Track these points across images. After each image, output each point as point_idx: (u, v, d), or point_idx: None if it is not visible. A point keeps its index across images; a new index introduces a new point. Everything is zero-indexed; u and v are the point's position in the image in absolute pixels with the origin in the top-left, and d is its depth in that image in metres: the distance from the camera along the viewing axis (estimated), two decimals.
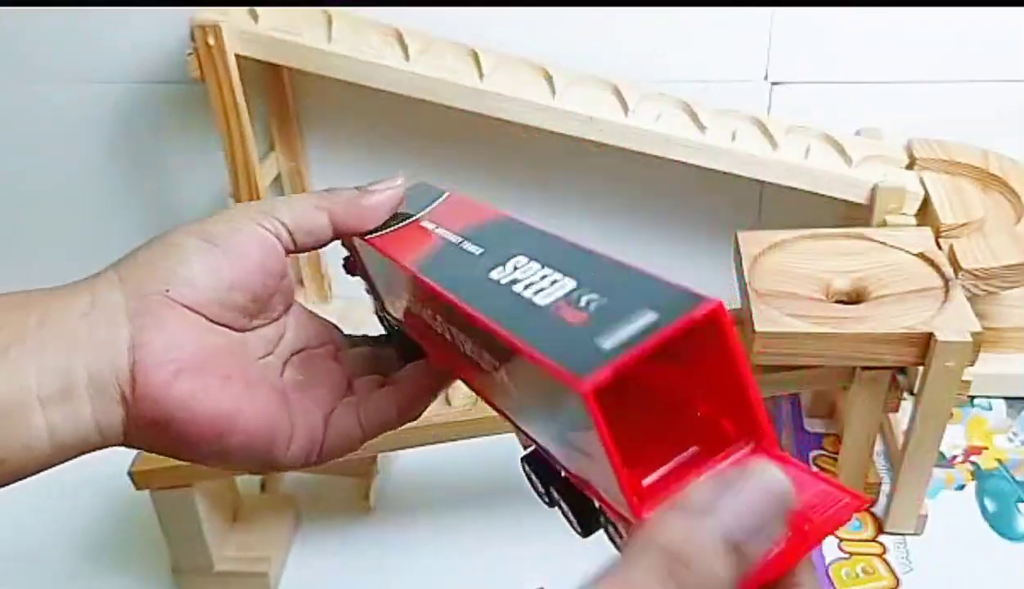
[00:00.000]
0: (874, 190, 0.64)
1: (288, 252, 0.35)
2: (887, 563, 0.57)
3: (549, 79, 0.65)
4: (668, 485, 0.24)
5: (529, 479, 0.31)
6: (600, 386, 0.22)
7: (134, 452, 0.59)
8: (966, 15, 0.67)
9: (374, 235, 0.36)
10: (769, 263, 0.59)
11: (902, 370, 0.55)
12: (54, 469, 0.32)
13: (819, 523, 0.23)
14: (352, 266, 0.40)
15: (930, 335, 0.51)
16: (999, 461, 0.64)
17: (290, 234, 0.34)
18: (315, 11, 0.66)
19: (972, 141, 0.68)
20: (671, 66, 0.70)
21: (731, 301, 0.60)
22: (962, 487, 0.62)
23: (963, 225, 0.61)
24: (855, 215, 0.65)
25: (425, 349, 0.37)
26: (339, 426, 0.35)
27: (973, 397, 0.66)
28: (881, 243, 0.60)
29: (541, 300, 0.27)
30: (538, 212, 0.78)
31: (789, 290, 0.56)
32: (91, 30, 0.73)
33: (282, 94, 0.74)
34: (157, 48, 0.73)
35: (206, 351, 0.32)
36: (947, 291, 0.55)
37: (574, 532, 0.29)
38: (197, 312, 0.32)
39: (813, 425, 0.67)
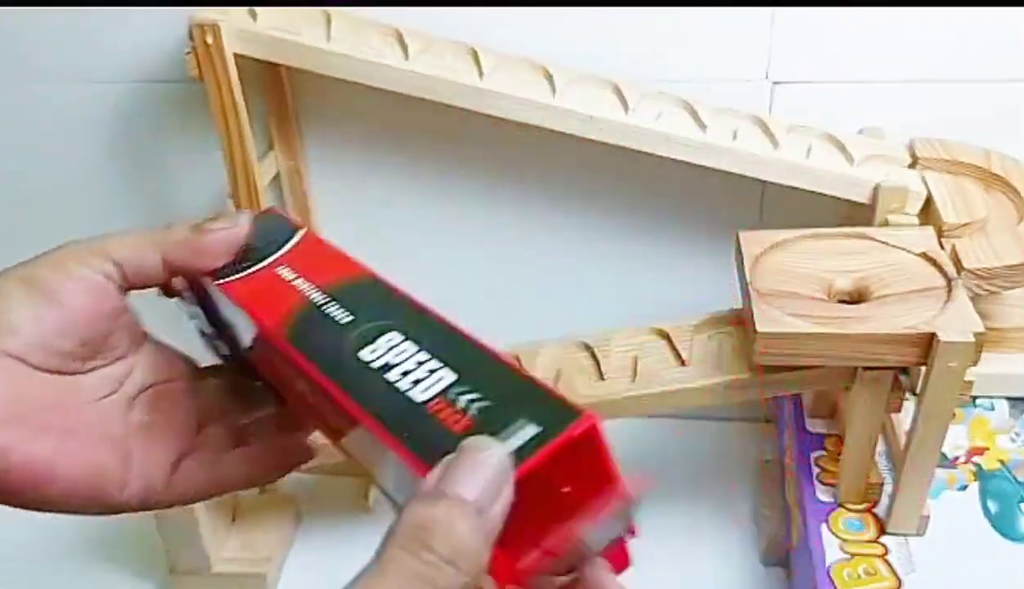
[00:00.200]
0: (876, 190, 0.63)
1: (125, 290, 0.34)
2: (889, 564, 0.57)
3: (549, 78, 0.65)
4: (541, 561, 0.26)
5: None
6: None
7: None
8: (968, 14, 0.66)
9: (227, 279, 0.34)
10: (770, 263, 0.59)
11: (904, 370, 0.55)
12: None
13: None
14: (175, 292, 0.37)
15: (932, 335, 0.51)
16: (1001, 462, 0.63)
17: (123, 273, 0.34)
18: (314, 10, 0.66)
19: (975, 141, 0.68)
20: (672, 65, 0.70)
21: (732, 301, 0.60)
22: (964, 488, 0.62)
23: (965, 225, 0.61)
24: (857, 215, 0.65)
25: (280, 394, 0.35)
26: (188, 478, 0.35)
27: (975, 397, 0.66)
28: (883, 243, 0.59)
29: (419, 395, 0.26)
30: (538, 212, 0.78)
31: (791, 290, 0.56)
32: (90, 30, 0.73)
33: (281, 93, 0.74)
34: (156, 47, 0.73)
35: (24, 401, 0.31)
36: (949, 291, 0.54)
37: None
38: (20, 360, 0.31)
39: (815, 425, 0.67)
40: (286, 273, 0.33)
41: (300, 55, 0.64)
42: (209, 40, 0.63)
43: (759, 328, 0.53)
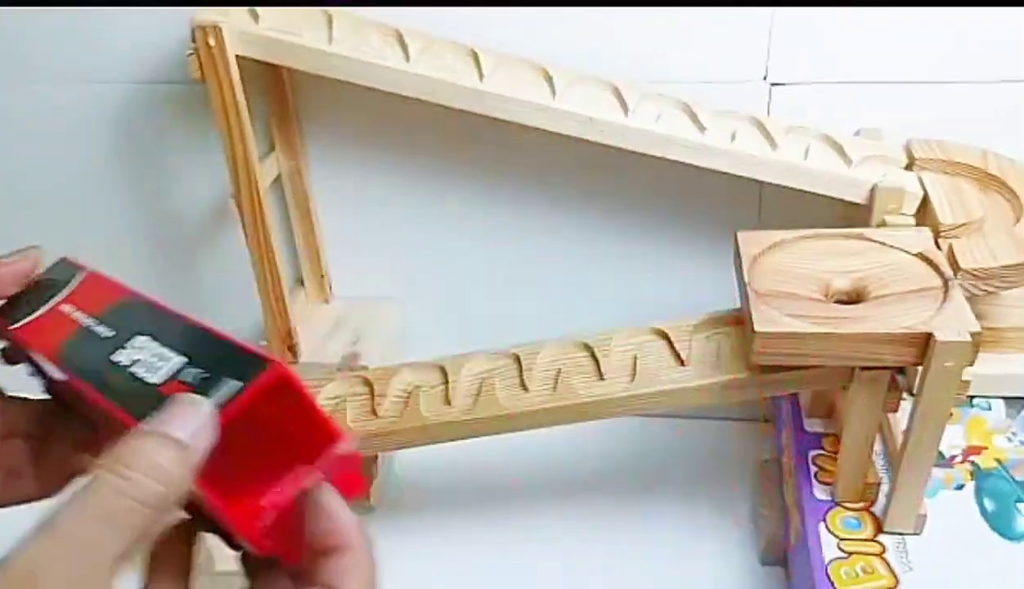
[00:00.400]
0: (873, 190, 0.64)
1: None
2: (886, 562, 0.57)
3: (549, 79, 0.65)
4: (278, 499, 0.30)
5: (195, 527, 0.33)
6: None
7: None
8: (965, 15, 0.67)
9: (19, 323, 0.38)
10: (769, 263, 0.59)
11: (901, 370, 0.55)
12: None
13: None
14: (10, 356, 0.41)
15: (929, 335, 0.51)
16: (998, 461, 0.64)
17: None
18: (315, 12, 0.66)
19: (971, 141, 0.68)
20: (671, 66, 0.70)
21: (731, 301, 0.60)
22: (961, 487, 0.62)
23: (962, 225, 0.61)
24: (854, 215, 0.65)
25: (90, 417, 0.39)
26: None
27: (972, 397, 0.66)
28: (880, 243, 0.60)
29: (155, 380, 0.31)
30: (538, 212, 0.79)
31: (788, 290, 0.56)
32: (91, 30, 0.74)
33: (282, 94, 0.74)
34: (157, 48, 0.73)
35: None
36: (946, 291, 0.55)
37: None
38: None
39: (812, 425, 0.67)
40: (67, 309, 0.38)
41: (301, 57, 0.64)
42: (211, 42, 0.63)
43: (757, 328, 0.53)
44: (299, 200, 0.79)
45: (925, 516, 0.58)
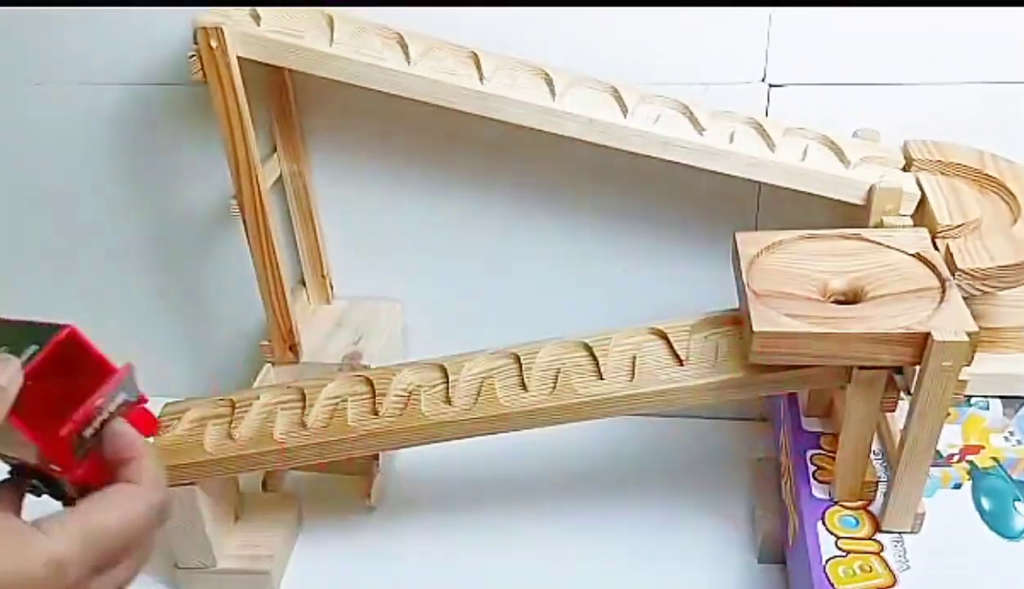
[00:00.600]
0: (871, 191, 0.64)
1: None
2: (884, 561, 0.57)
3: (549, 81, 0.66)
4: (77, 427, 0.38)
5: (20, 482, 0.40)
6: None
7: None
8: (963, 16, 0.67)
9: None
10: (767, 263, 0.59)
11: (899, 370, 0.55)
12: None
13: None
14: None
15: (927, 335, 0.51)
16: (995, 460, 0.64)
17: None
18: (317, 13, 0.66)
19: (968, 142, 0.69)
20: (670, 68, 0.70)
21: (730, 301, 0.60)
22: (959, 486, 0.63)
23: (959, 226, 0.62)
24: (852, 216, 0.66)
25: None
26: None
27: (970, 396, 0.66)
28: (878, 244, 0.60)
29: None
30: (538, 213, 0.79)
31: (787, 290, 0.57)
32: (93, 31, 0.74)
33: (284, 96, 0.74)
34: (159, 50, 0.73)
35: None
36: (944, 291, 0.55)
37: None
38: None
39: (811, 424, 0.67)
40: None
41: (303, 58, 0.65)
42: (213, 43, 0.63)
43: (755, 328, 0.53)
44: (300, 201, 0.79)
45: (923, 515, 0.59)
